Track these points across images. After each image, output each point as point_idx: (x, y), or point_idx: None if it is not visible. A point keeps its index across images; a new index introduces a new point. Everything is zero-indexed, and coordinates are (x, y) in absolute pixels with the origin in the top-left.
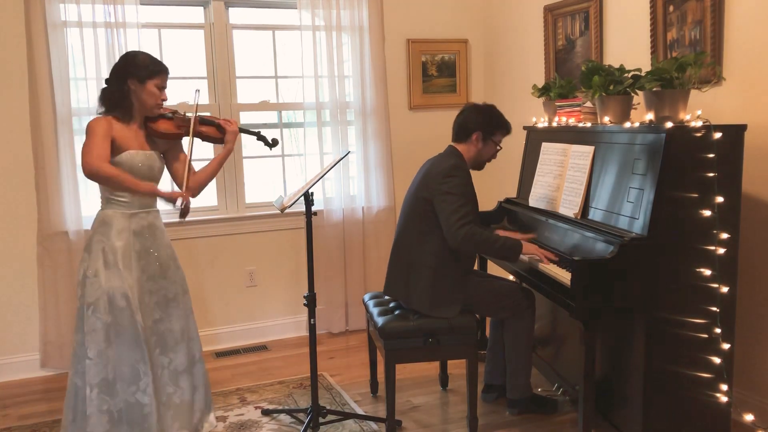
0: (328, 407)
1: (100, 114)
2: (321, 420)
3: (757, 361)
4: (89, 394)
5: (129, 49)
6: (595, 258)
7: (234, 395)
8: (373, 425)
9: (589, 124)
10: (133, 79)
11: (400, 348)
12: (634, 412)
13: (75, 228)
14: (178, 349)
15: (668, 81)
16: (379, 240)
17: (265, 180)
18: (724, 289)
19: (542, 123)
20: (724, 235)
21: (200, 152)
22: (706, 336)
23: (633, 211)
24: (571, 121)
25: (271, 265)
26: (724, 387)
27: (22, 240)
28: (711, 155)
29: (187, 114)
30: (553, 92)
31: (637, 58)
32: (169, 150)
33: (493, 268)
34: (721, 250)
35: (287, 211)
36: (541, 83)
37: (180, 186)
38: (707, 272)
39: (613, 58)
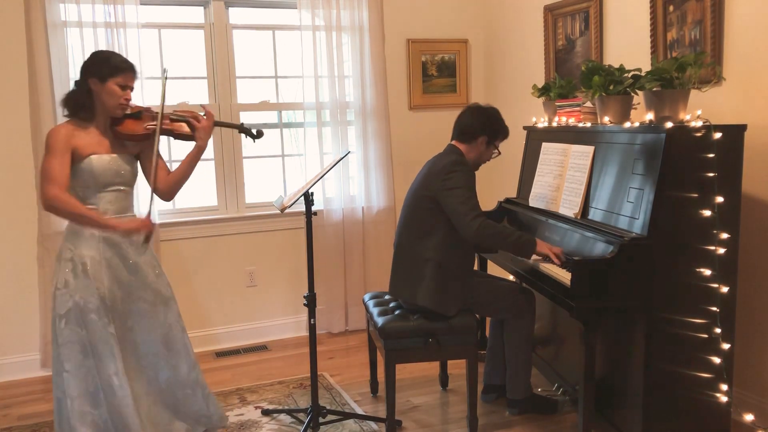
0: (328, 407)
1: (65, 117)
2: (321, 420)
3: (757, 361)
4: (71, 406)
5: (129, 49)
6: (596, 258)
7: (234, 395)
8: (373, 425)
9: (589, 124)
10: (94, 79)
11: (400, 348)
12: (634, 412)
13: None
14: (149, 358)
15: (668, 81)
16: (379, 240)
17: (265, 180)
18: (724, 289)
19: (542, 123)
20: (724, 235)
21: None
22: (706, 336)
23: (633, 211)
24: (571, 121)
25: (271, 265)
26: (724, 387)
27: (22, 240)
28: (711, 155)
29: (156, 111)
30: (553, 92)
31: (637, 58)
32: (142, 151)
33: (493, 269)
34: (721, 250)
35: (287, 211)
36: (541, 83)
37: (153, 188)
38: (707, 272)
39: (613, 58)
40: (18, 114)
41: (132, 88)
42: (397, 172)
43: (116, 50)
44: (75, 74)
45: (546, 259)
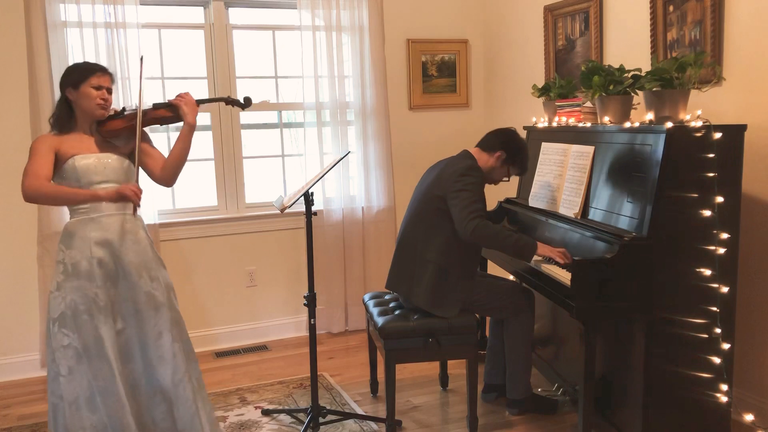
0: (328, 407)
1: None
2: (321, 420)
3: (757, 361)
4: (68, 412)
5: (129, 49)
6: (596, 258)
7: (234, 395)
8: (373, 425)
9: (589, 124)
10: (69, 88)
11: (400, 348)
12: (634, 412)
13: None
14: (138, 362)
15: (668, 81)
16: (379, 240)
17: (265, 180)
18: (724, 289)
19: (542, 123)
20: (724, 235)
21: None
22: (706, 336)
23: (633, 211)
24: (571, 121)
25: (271, 265)
26: (724, 387)
27: (22, 240)
28: (711, 155)
29: (136, 107)
30: (553, 92)
31: (637, 58)
32: (137, 147)
33: (493, 268)
34: (721, 250)
35: (287, 211)
36: (541, 83)
37: (151, 176)
38: (707, 272)
39: (613, 58)
40: (18, 114)
41: (108, 89)
42: (397, 172)
43: (116, 50)
44: None
45: (547, 259)
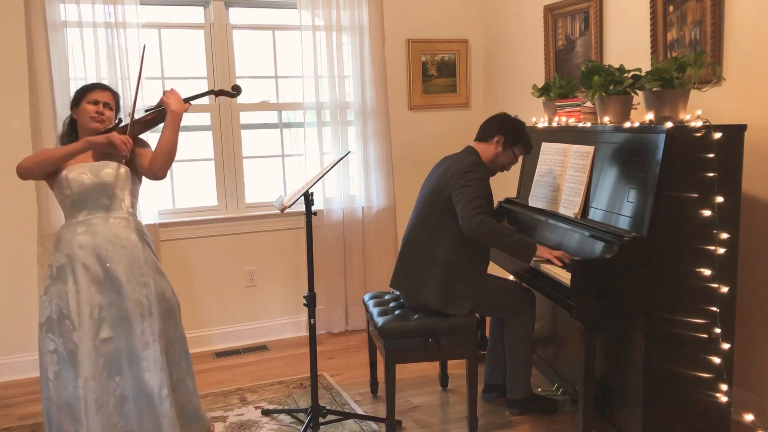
0: (328, 407)
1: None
2: (321, 420)
3: (757, 361)
4: (56, 416)
5: (129, 49)
6: (596, 258)
7: (234, 395)
8: (373, 425)
9: (589, 124)
10: (73, 108)
11: (400, 348)
12: (634, 412)
13: None
14: (124, 373)
15: (668, 81)
16: (379, 240)
17: (265, 180)
18: (724, 289)
19: (542, 123)
20: (724, 235)
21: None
22: (706, 336)
23: (633, 211)
24: (571, 121)
25: (271, 265)
26: (724, 387)
27: (22, 240)
28: (711, 155)
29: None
30: (553, 92)
31: (637, 58)
32: (133, 152)
33: (493, 268)
34: (721, 250)
35: (287, 211)
36: (541, 83)
37: (143, 172)
38: (707, 272)
39: (613, 58)
40: (18, 114)
41: (106, 104)
42: (397, 172)
43: (116, 50)
44: (75, 74)
45: (547, 260)
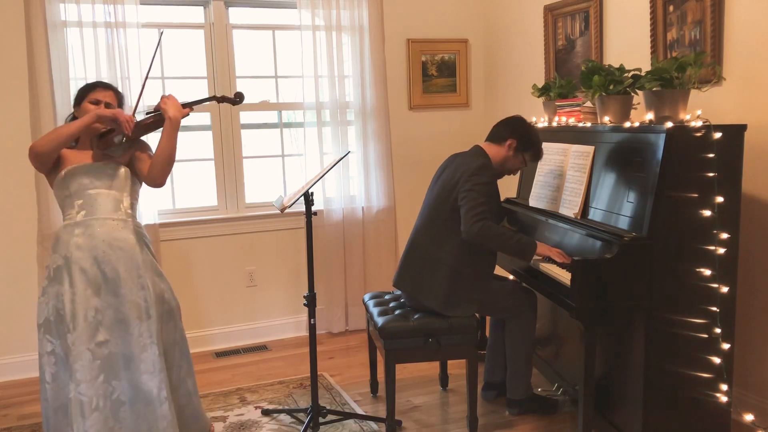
0: (328, 407)
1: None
2: (321, 420)
3: (757, 361)
4: (54, 418)
5: (129, 49)
6: (596, 258)
7: (234, 395)
8: (373, 425)
9: (589, 124)
10: (75, 107)
11: (400, 348)
12: (634, 412)
13: None
14: (121, 377)
15: (668, 81)
16: (379, 240)
17: (265, 180)
18: (724, 289)
19: (542, 123)
20: (724, 235)
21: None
22: (706, 336)
23: (633, 211)
24: (571, 121)
25: (271, 265)
26: (724, 387)
27: (22, 240)
28: (711, 155)
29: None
30: (553, 92)
31: (637, 58)
32: (133, 155)
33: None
34: (721, 250)
35: (287, 211)
36: (541, 83)
37: (142, 178)
38: (707, 272)
39: (613, 58)
40: (18, 114)
41: (106, 103)
42: (397, 172)
43: (116, 50)
44: (75, 74)
45: (546, 258)
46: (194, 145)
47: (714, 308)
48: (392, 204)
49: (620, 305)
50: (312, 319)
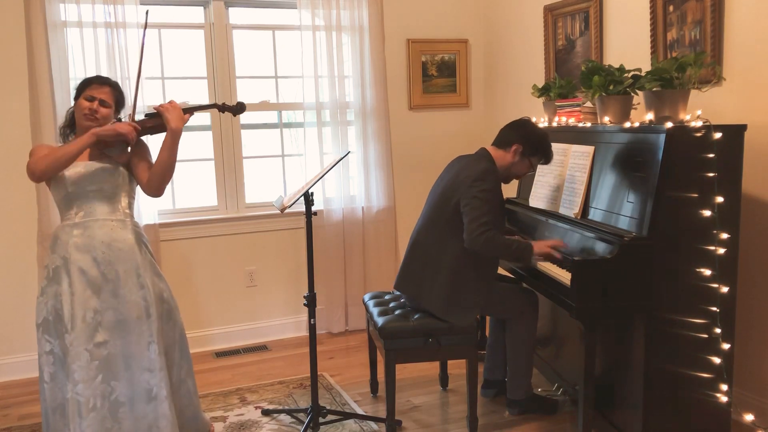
0: (328, 407)
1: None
2: (321, 420)
3: (757, 361)
4: (52, 418)
5: (129, 49)
6: (596, 258)
7: (234, 395)
8: (373, 425)
9: (589, 124)
10: (74, 102)
11: (400, 348)
12: (634, 412)
13: None
14: (120, 377)
15: (668, 81)
16: (379, 240)
17: (265, 180)
18: (724, 289)
19: (542, 123)
20: (724, 235)
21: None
22: (706, 336)
23: (633, 211)
24: (571, 121)
25: (271, 265)
26: (724, 387)
27: (22, 240)
28: (711, 155)
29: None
30: (553, 92)
31: (637, 58)
32: (131, 157)
33: None
34: (721, 250)
35: (287, 211)
36: (541, 83)
37: (140, 185)
38: (707, 272)
39: (613, 58)
40: (18, 114)
41: (101, 100)
42: (397, 172)
43: (116, 50)
44: (75, 74)
45: (545, 257)
46: (194, 145)
47: (714, 308)
48: (392, 204)
49: (620, 305)
50: (312, 319)
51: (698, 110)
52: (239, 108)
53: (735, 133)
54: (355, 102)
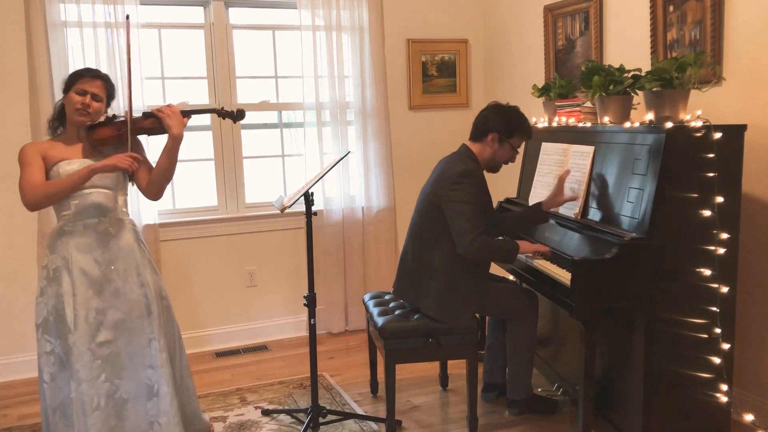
0: (328, 407)
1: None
2: (321, 420)
3: (757, 361)
4: (51, 418)
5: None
6: (596, 258)
7: (234, 395)
8: (373, 425)
9: (589, 124)
10: (63, 95)
11: (400, 348)
12: (634, 412)
13: None
14: (124, 375)
15: (668, 81)
16: (379, 240)
17: (265, 180)
18: (724, 289)
19: (542, 123)
20: (724, 235)
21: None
22: (706, 336)
23: (633, 211)
24: (571, 121)
25: (271, 265)
26: (724, 387)
27: (22, 240)
28: (711, 155)
29: (125, 117)
30: (553, 92)
31: (637, 58)
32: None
33: (493, 268)
34: (721, 250)
35: (287, 211)
36: (541, 83)
37: (139, 188)
38: (707, 272)
39: (613, 58)
40: (18, 114)
41: (94, 95)
42: (397, 172)
43: (116, 50)
44: None
45: (535, 254)
46: (194, 145)
47: (714, 308)
48: (392, 204)
49: (620, 305)
50: (312, 319)
51: (698, 110)
52: (239, 115)
53: (735, 133)
54: (355, 102)
